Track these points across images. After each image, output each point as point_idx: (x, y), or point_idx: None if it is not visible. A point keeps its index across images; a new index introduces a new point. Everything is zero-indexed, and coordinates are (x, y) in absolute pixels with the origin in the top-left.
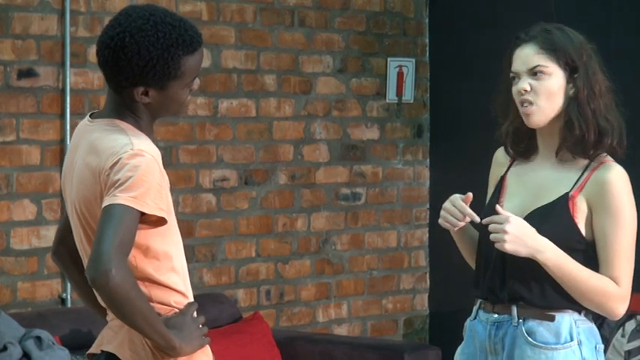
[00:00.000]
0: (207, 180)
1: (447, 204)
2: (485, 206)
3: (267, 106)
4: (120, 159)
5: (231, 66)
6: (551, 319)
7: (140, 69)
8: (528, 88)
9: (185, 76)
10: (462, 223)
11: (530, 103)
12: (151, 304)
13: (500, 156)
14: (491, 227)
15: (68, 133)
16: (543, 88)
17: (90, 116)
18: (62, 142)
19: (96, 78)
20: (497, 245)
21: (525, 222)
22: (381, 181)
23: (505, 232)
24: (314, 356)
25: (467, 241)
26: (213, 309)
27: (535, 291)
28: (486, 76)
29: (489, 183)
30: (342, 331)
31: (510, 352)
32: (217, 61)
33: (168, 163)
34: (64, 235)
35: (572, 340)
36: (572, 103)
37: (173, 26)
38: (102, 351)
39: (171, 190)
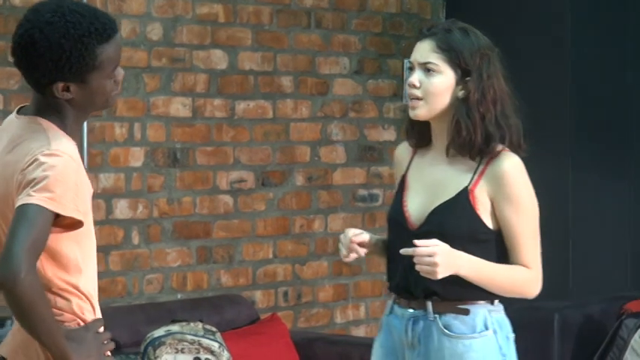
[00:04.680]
0: (224, 181)
1: (341, 235)
2: (390, 206)
3: (283, 107)
4: (36, 159)
5: (247, 67)
6: (466, 313)
7: (54, 64)
8: (417, 84)
9: (104, 65)
10: (350, 258)
11: (418, 98)
12: (54, 310)
13: (399, 153)
14: (417, 260)
15: (85, 135)
16: (431, 86)
17: (17, 111)
18: (79, 144)
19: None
20: (428, 276)
21: (447, 245)
22: None
23: (437, 264)
24: (332, 357)
25: (377, 252)
26: (230, 310)
27: (448, 286)
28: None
29: (396, 182)
30: (359, 332)
31: (428, 345)
32: (234, 63)
33: (185, 164)
34: None
35: (487, 329)
36: (461, 105)
37: (82, 15)
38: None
39: (189, 191)
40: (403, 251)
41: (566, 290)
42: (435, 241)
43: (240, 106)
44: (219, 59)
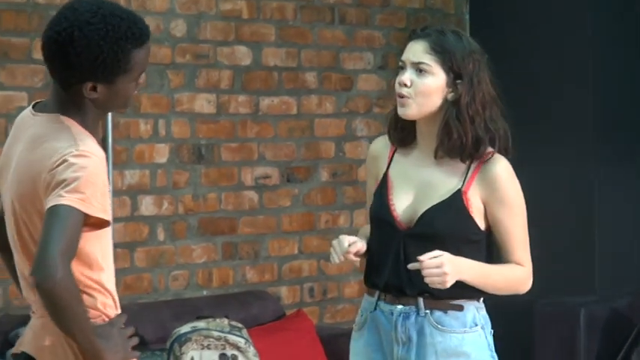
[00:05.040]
0: (249, 177)
1: (334, 242)
2: (373, 204)
3: (308, 103)
4: (65, 159)
5: (272, 64)
6: (460, 309)
7: (90, 64)
8: (408, 83)
9: (134, 70)
10: (338, 260)
11: (408, 97)
12: None
13: (377, 148)
14: (427, 272)
15: (110, 131)
16: (422, 86)
17: (33, 107)
18: (104, 141)
19: None
20: (438, 286)
21: (448, 253)
22: None
23: (446, 274)
24: None
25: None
26: (256, 306)
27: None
28: (527, 72)
29: (367, 176)
30: None
31: (420, 340)
32: (258, 59)
33: (210, 160)
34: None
35: (476, 325)
36: (451, 108)
37: (122, 19)
38: (22, 352)
39: (214, 187)
40: (411, 266)
41: (592, 285)
42: (438, 252)
43: (265, 102)
44: (243, 55)
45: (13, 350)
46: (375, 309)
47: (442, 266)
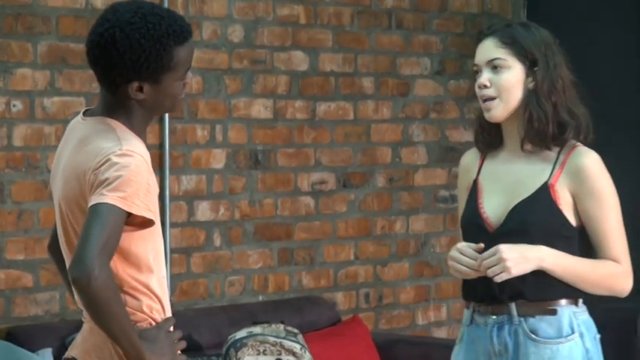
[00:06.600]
0: (305, 183)
1: (455, 253)
2: (464, 212)
3: (365, 108)
4: (108, 159)
5: (328, 69)
6: (553, 313)
7: (133, 63)
8: (488, 84)
9: (178, 67)
10: (475, 274)
11: (492, 98)
12: (126, 308)
13: (467, 162)
14: (485, 264)
15: (167, 137)
16: (502, 82)
17: (83, 113)
18: (161, 146)
19: (194, 82)
20: (502, 276)
21: (512, 244)
22: None
23: (504, 260)
24: (413, 359)
25: None
26: (312, 312)
27: (533, 285)
28: (583, 75)
29: (459, 192)
30: (441, 333)
31: (515, 351)
32: (315, 65)
33: (266, 166)
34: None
35: (573, 332)
36: (531, 96)
37: (162, 17)
38: (72, 357)
39: (270, 193)
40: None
41: None
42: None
43: (321, 108)
44: (300, 61)
45: (65, 356)
46: (471, 322)
47: (496, 253)
